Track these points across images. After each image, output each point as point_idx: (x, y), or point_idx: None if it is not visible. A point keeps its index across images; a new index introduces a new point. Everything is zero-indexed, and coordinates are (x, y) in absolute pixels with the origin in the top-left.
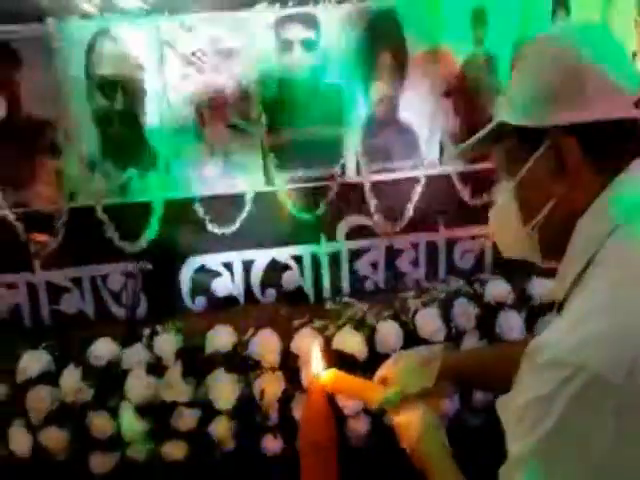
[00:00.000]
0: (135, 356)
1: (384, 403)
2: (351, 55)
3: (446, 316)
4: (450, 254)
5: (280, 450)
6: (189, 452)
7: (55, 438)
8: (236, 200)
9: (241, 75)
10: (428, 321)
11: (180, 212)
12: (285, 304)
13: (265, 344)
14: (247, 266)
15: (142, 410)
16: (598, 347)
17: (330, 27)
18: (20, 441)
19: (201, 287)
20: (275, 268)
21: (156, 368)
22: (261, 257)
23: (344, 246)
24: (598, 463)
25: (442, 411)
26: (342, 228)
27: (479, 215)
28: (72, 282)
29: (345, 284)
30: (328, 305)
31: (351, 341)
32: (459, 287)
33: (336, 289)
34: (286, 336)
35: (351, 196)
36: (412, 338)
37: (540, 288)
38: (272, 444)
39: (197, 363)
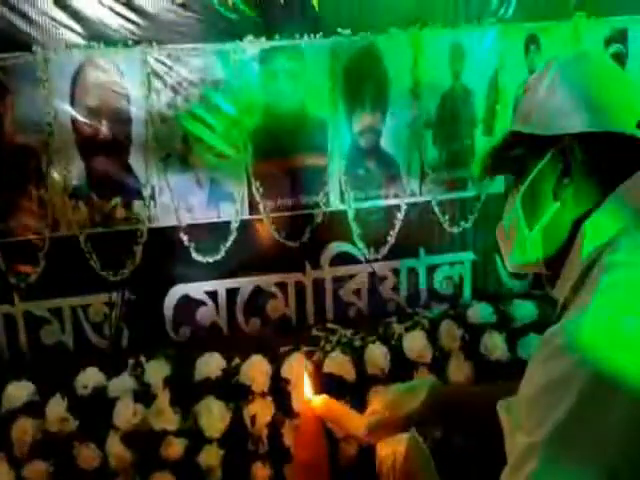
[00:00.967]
0: (122, 384)
1: (368, 428)
2: (335, 87)
3: (432, 338)
4: (430, 280)
5: (269, 478)
6: None
7: (39, 471)
8: (221, 228)
9: (227, 105)
10: (415, 342)
11: (165, 241)
12: (270, 332)
13: (256, 369)
14: (231, 295)
15: (130, 439)
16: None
17: (315, 59)
18: (3, 477)
19: (185, 317)
20: (259, 296)
21: (144, 396)
22: (246, 285)
23: (328, 273)
24: (614, 450)
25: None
26: (326, 255)
27: (458, 242)
28: (52, 313)
29: (329, 311)
30: (313, 332)
31: (341, 364)
32: (444, 310)
33: (320, 316)
34: (274, 363)
35: (335, 224)
36: (399, 360)
37: (520, 310)
38: (261, 472)
39: (186, 391)
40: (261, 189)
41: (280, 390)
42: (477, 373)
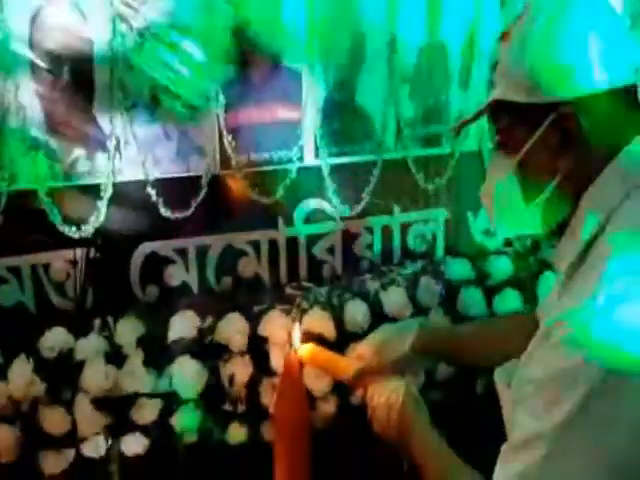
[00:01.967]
0: (91, 346)
1: (356, 373)
2: (311, 37)
3: (410, 294)
4: (404, 238)
5: (247, 438)
6: (150, 446)
7: (4, 437)
8: (191, 183)
9: (198, 53)
10: (394, 299)
11: (131, 196)
12: (242, 291)
13: (233, 327)
14: (202, 253)
15: (100, 402)
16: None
17: (290, 7)
18: None
19: (153, 276)
20: (231, 254)
21: (115, 357)
22: (217, 243)
23: (302, 230)
24: (620, 448)
25: (417, 383)
26: (300, 213)
27: (432, 199)
28: (10, 272)
29: (302, 269)
30: (287, 290)
31: (320, 321)
32: (420, 266)
33: (293, 275)
34: (251, 321)
35: (309, 180)
36: (379, 316)
37: (496, 266)
38: (239, 432)
39: (159, 351)
40: (233, 143)
41: (258, 349)
42: None
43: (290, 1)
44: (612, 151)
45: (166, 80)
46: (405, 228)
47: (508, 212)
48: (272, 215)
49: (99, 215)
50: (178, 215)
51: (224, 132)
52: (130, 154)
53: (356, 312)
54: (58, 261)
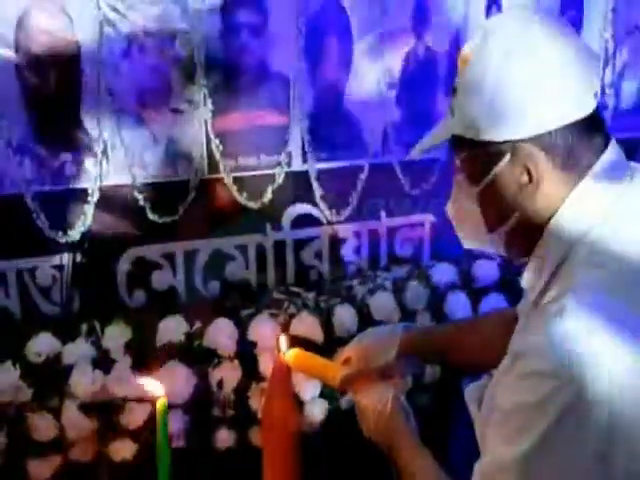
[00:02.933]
0: (79, 350)
1: (344, 379)
2: (298, 42)
3: (397, 298)
4: (391, 242)
5: (235, 443)
6: (137, 451)
7: None
8: (179, 188)
9: (186, 58)
10: (382, 303)
11: (118, 200)
12: (230, 296)
13: (222, 332)
14: (189, 257)
15: (88, 408)
16: (588, 364)
17: (278, 13)
18: None
19: (140, 281)
20: (219, 259)
21: (103, 362)
22: (204, 247)
23: (289, 235)
24: (588, 468)
25: (405, 389)
26: (287, 217)
27: (418, 204)
28: None
29: (290, 274)
30: (275, 295)
31: (309, 326)
32: (407, 271)
33: (281, 279)
34: (239, 326)
35: (297, 185)
36: (366, 321)
37: (482, 270)
38: (227, 437)
39: (148, 356)
40: (221, 147)
41: (247, 353)
42: None
43: (280, 5)
44: (575, 178)
45: (154, 85)
46: (392, 233)
47: (471, 232)
48: (260, 220)
49: (86, 219)
50: (166, 219)
51: (212, 136)
52: (117, 158)
53: (344, 316)
54: (44, 266)
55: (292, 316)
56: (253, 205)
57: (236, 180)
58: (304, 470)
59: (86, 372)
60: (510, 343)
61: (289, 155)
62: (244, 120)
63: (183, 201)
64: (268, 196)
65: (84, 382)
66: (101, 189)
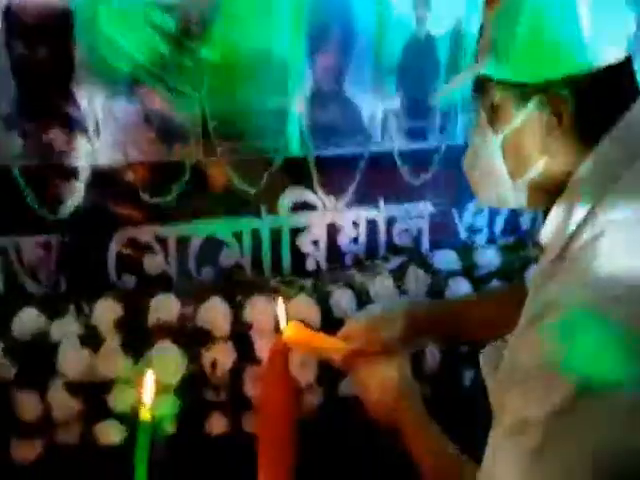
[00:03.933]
0: (66, 328)
1: (347, 354)
2: (298, 24)
3: (397, 284)
4: (389, 232)
5: (228, 429)
6: (127, 434)
7: None
8: (173, 169)
9: (182, 35)
10: (381, 288)
11: (109, 178)
12: (224, 282)
13: (216, 312)
14: (182, 241)
15: (75, 387)
16: (615, 311)
17: None
18: None
19: (131, 263)
20: (213, 244)
21: (91, 340)
22: (198, 231)
23: (286, 221)
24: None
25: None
26: (284, 203)
27: (417, 194)
28: None
29: (286, 261)
30: (271, 283)
31: (306, 308)
32: (406, 259)
33: (277, 267)
34: (234, 307)
35: (294, 170)
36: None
37: (483, 258)
38: (220, 422)
39: (138, 334)
40: (218, 129)
41: (242, 335)
42: None
43: None
44: (600, 131)
45: (149, 62)
46: (390, 222)
47: (493, 186)
48: (256, 205)
49: (76, 198)
50: (158, 201)
51: (208, 118)
52: (110, 136)
53: (342, 300)
54: (31, 244)
55: (289, 300)
56: (249, 190)
57: (232, 163)
58: (300, 459)
59: (73, 350)
60: (525, 308)
61: (287, 140)
62: (242, 102)
63: (177, 182)
64: (265, 181)
65: (71, 360)
66: (92, 167)
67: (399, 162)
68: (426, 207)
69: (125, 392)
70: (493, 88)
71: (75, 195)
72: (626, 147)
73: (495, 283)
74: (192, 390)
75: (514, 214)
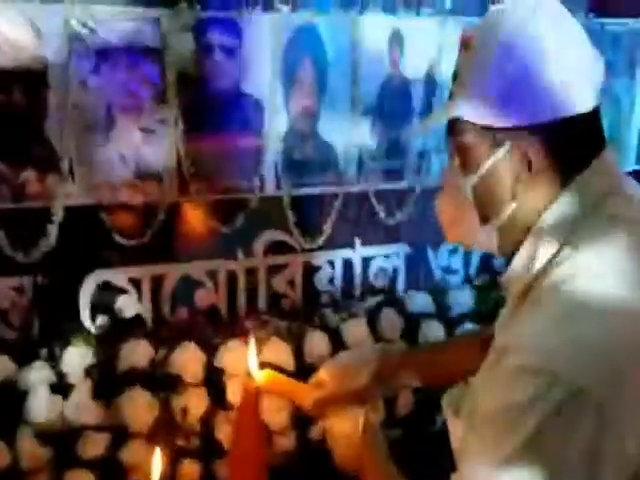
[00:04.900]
0: (36, 375)
1: (316, 401)
2: (272, 65)
3: (371, 326)
4: (365, 272)
5: (200, 475)
6: None
7: None
8: (147, 210)
9: (157, 76)
10: (355, 330)
11: (83, 221)
12: (199, 323)
13: (188, 357)
14: (157, 282)
15: (44, 435)
16: (580, 356)
17: (253, 35)
18: None
19: (104, 306)
20: (187, 285)
21: (61, 387)
22: (173, 272)
23: (261, 262)
24: (573, 469)
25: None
26: (259, 243)
27: (393, 234)
28: None
29: (262, 302)
30: (246, 324)
31: (279, 352)
32: (381, 299)
33: (252, 307)
34: (207, 352)
35: (269, 210)
36: (339, 348)
37: (457, 299)
38: (192, 469)
39: (109, 381)
40: (192, 169)
41: (214, 380)
42: None
43: (254, 27)
44: (569, 175)
45: (124, 103)
46: (366, 262)
47: (461, 226)
48: (231, 245)
49: (49, 240)
50: (133, 243)
51: (183, 158)
52: (84, 177)
53: (316, 343)
54: (3, 287)
55: (262, 342)
56: (224, 230)
57: (207, 204)
58: None
59: (43, 397)
60: (492, 345)
61: (262, 180)
62: (217, 143)
63: (151, 224)
64: (240, 221)
65: (41, 408)
66: (66, 209)
67: (375, 202)
68: (402, 247)
69: (95, 440)
70: (465, 131)
71: (48, 237)
72: (586, 198)
73: (468, 325)
74: (163, 436)
75: (489, 254)
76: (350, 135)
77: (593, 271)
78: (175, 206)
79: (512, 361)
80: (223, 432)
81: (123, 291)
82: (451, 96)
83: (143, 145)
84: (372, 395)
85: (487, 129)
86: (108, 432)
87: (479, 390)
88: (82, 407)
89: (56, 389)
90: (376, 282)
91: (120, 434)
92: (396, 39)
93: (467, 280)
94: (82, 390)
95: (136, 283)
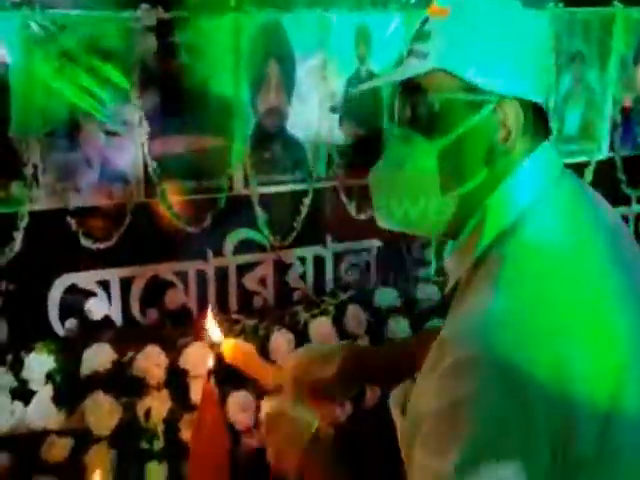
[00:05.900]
0: None
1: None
2: (238, 65)
3: (338, 323)
4: (337, 268)
5: (165, 477)
6: None
7: None
8: (114, 212)
9: (120, 78)
10: (320, 329)
11: (49, 225)
12: (168, 324)
13: (150, 360)
14: (125, 284)
15: (5, 441)
16: (499, 334)
17: (217, 34)
18: None
19: (72, 309)
20: (157, 286)
21: (22, 393)
22: (142, 274)
23: (232, 261)
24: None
25: (333, 417)
26: (229, 242)
27: (364, 229)
28: None
29: (233, 301)
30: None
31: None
32: (350, 295)
33: (223, 306)
34: (171, 354)
35: (239, 209)
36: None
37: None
38: (157, 471)
39: (71, 386)
40: (158, 170)
41: (177, 383)
42: None
43: (218, 27)
44: (524, 158)
45: (87, 106)
46: (338, 258)
47: (409, 200)
48: (201, 245)
49: (14, 245)
50: (100, 245)
51: (149, 159)
52: (48, 182)
53: (281, 342)
54: None
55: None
56: (193, 230)
57: (175, 204)
58: None
59: (4, 403)
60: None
61: (230, 179)
62: (183, 143)
63: (118, 226)
64: (209, 221)
65: (2, 414)
66: (31, 214)
67: (344, 198)
68: (373, 242)
69: (58, 445)
70: (442, 88)
71: (14, 242)
72: (537, 179)
73: (435, 320)
74: (127, 440)
75: None
76: (319, 132)
77: (532, 253)
78: (142, 208)
79: (449, 354)
80: (187, 433)
81: (92, 294)
82: (416, 54)
83: (108, 147)
84: (339, 389)
85: (468, 89)
86: (71, 437)
87: (421, 391)
88: (44, 412)
89: (17, 395)
90: (348, 278)
91: (84, 438)
92: (363, 34)
93: (440, 274)
94: (43, 395)
95: (105, 285)
